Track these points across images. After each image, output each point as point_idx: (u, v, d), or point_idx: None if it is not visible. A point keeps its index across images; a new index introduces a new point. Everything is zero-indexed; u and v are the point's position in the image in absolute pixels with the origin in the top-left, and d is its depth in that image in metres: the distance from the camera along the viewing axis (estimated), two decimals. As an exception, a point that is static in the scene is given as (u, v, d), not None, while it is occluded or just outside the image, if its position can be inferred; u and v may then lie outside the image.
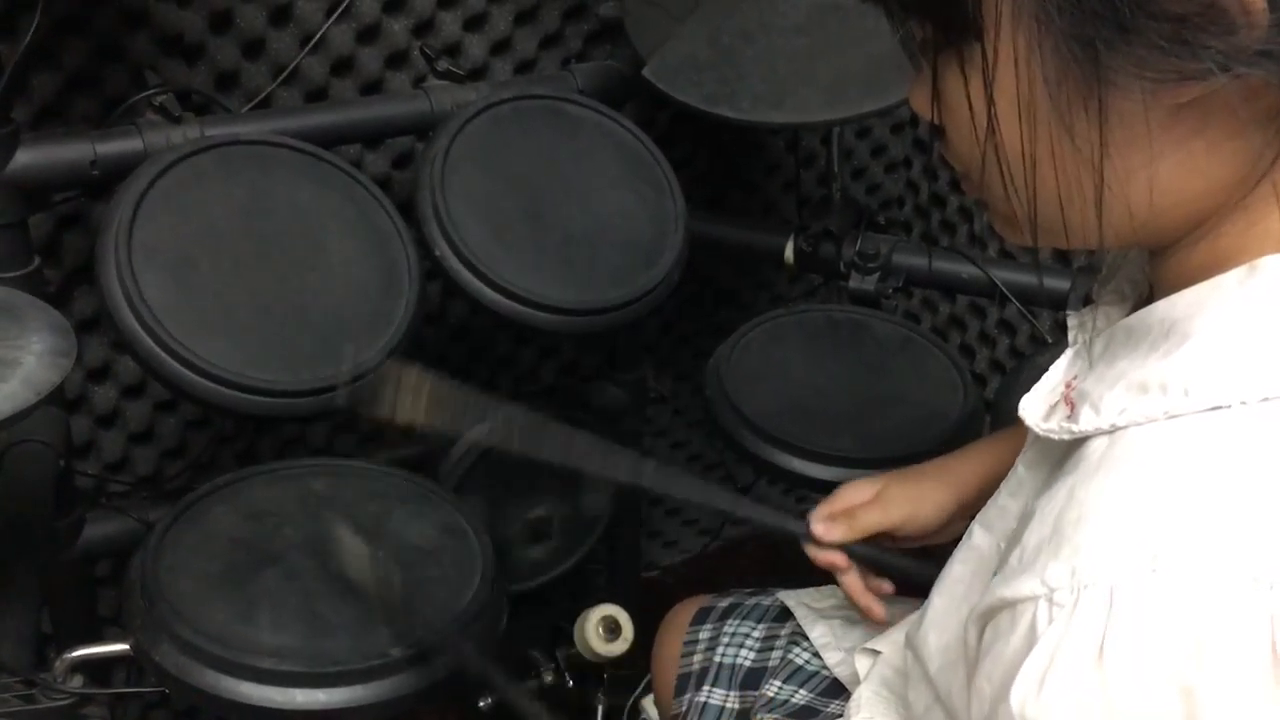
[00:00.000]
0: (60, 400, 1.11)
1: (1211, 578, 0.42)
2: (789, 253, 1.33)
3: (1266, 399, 0.45)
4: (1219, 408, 0.46)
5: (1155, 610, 0.42)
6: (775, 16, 1.15)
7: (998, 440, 0.88)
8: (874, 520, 0.85)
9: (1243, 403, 0.45)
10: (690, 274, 1.19)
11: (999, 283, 1.27)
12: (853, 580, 0.86)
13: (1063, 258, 1.48)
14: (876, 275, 1.28)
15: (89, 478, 1.25)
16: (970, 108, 0.49)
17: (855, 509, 0.86)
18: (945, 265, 1.30)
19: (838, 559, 0.85)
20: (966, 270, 1.29)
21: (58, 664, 0.81)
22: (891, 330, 1.27)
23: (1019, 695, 0.45)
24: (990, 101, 0.48)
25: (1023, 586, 0.47)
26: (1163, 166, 0.47)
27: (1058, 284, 1.24)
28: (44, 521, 0.96)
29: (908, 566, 0.85)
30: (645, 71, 1.16)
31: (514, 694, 0.88)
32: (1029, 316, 1.45)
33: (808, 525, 0.86)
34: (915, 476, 0.88)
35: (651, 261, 1.13)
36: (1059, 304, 1.27)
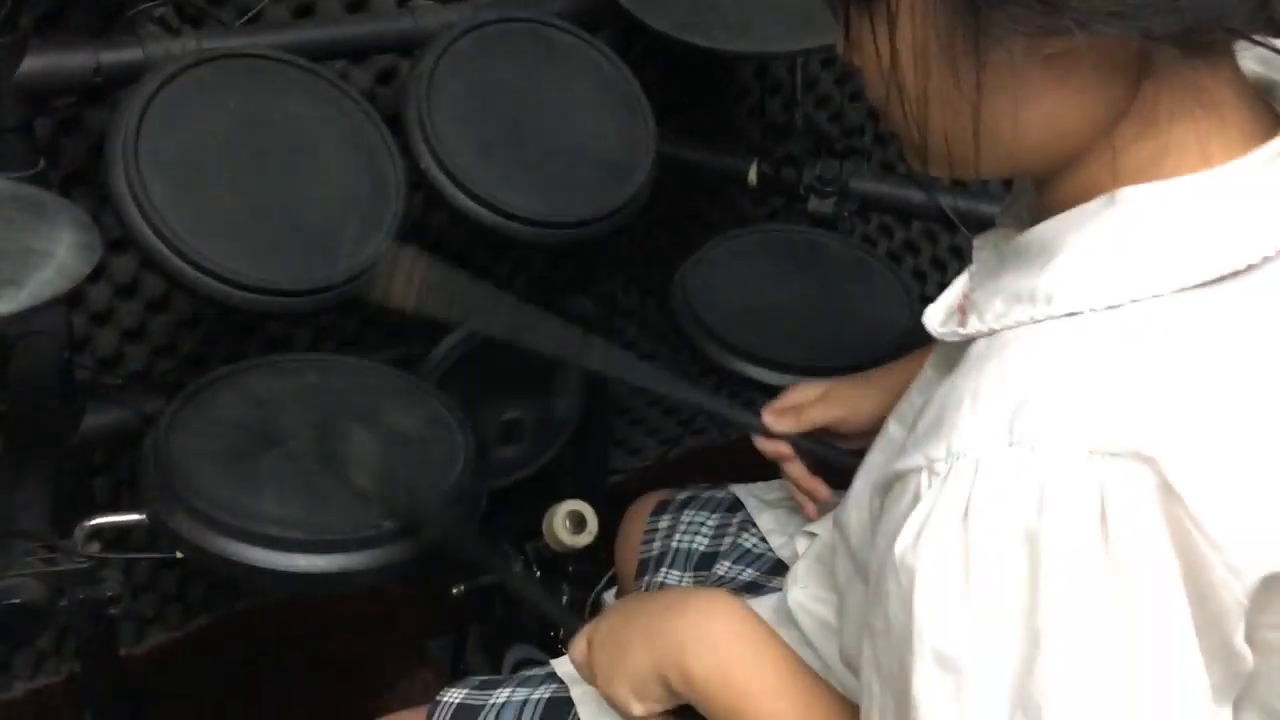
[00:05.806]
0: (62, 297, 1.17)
1: (1055, 449, 0.51)
2: (752, 175, 1.40)
3: (1111, 306, 0.54)
4: (1075, 314, 0.55)
5: (1009, 475, 0.52)
6: (747, -51, 1.21)
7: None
8: (818, 415, 0.95)
9: (1093, 309, 0.55)
10: (659, 194, 1.26)
11: (948, 209, 1.35)
12: (797, 469, 0.95)
13: (1009, 188, 1.56)
14: (834, 198, 1.36)
15: (86, 370, 1.32)
16: (877, 52, 0.58)
17: (803, 405, 0.95)
18: (898, 191, 1.37)
19: (784, 449, 0.95)
20: (918, 196, 1.37)
21: (77, 531, 0.89)
22: (847, 252, 1.35)
23: (900, 546, 0.55)
24: (892, 47, 0.57)
25: (911, 460, 0.57)
26: (1029, 108, 0.56)
27: (1002, 211, 1.32)
28: (54, 406, 1.03)
29: (843, 458, 0.95)
30: (621, -3, 1.22)
31: (498, 566, 0.97)
32: (976, 242, 1.53)
33: (759, 418, 0.95)
34: (859, 382, 0.98)
35: (624, 180, 1.20)
36: (1003, 230, 1.34)
